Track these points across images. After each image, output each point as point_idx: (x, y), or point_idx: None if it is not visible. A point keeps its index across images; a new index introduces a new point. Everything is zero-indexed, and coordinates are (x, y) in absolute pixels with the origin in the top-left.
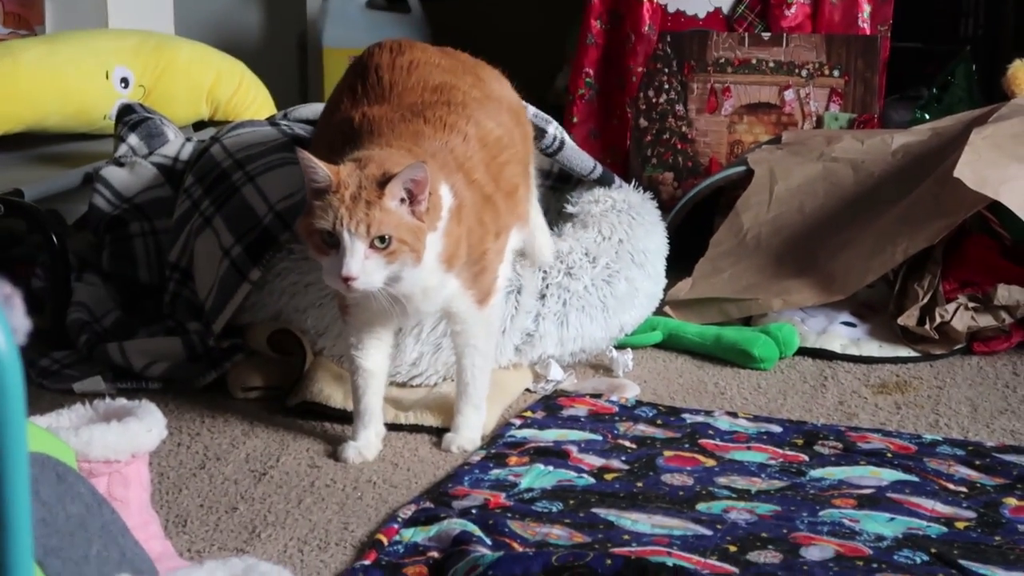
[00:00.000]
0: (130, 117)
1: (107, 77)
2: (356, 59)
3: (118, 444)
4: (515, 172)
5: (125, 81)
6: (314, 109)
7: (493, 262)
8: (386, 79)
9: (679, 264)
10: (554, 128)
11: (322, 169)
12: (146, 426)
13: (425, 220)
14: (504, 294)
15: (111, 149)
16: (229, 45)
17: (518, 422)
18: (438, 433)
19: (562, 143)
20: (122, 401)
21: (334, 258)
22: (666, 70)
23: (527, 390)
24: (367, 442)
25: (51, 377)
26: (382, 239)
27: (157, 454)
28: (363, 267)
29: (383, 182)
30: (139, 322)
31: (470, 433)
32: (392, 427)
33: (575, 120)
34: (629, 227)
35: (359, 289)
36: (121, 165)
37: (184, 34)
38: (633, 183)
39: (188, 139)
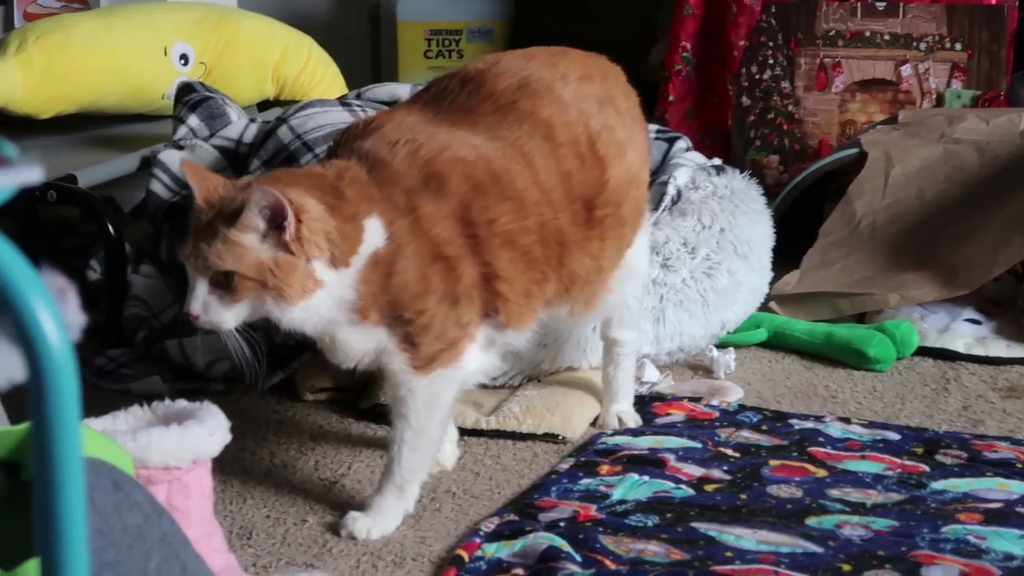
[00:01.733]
0: (190, 97)
1: (166, 54)
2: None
3: (178, 449)
4: (513, 255)
5: (185, 58)
6: (390, 90)
7: (440, 327)
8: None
9: (786, 256)
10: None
11: (195, 186)
12: (208, 430)
13: (297, 251)
14: (461, 372)
15: (170, 131)
16: (296, 18)
17: (609, 431)
18: (523, 439)
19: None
20: (182, 403)
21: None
22: (771, 44)
23: None
24: (444, 450)
25: (107, 377)
26: (225, 275)
27: (220, 460)
28: (205, 305)
29: (234, 212)
30: None
31: (381, 521)
32: (472, 432)
33: (671, 98)
34: (732, 215)
35: (207, 327)
36: (181, 148)
37: (248, 7)
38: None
39: (252, 120)
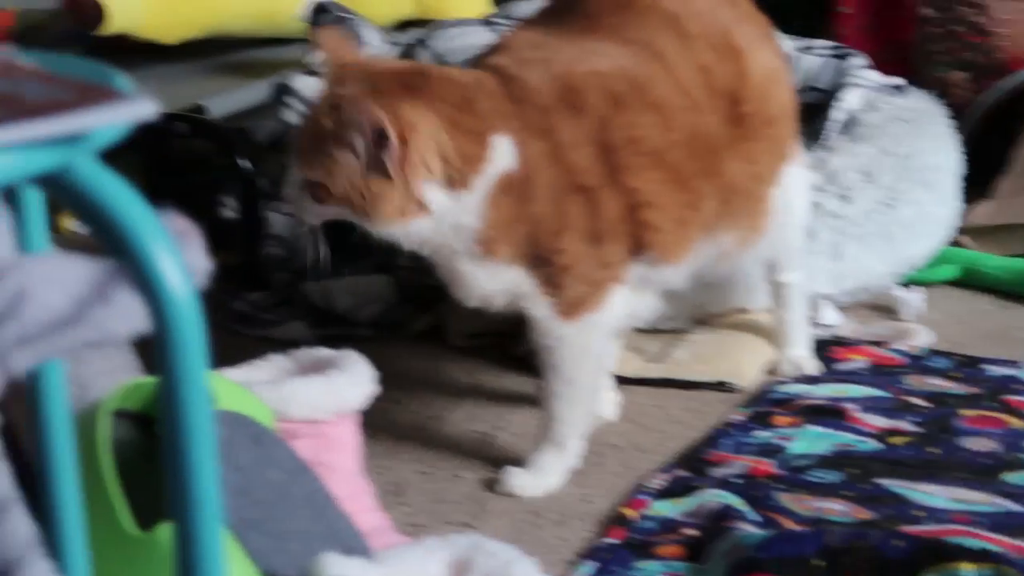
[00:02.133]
0: (324, 18)
1: None
2: None
3: (322, 401)
4: (662, 175)
5: None
6: (537, 6)
7: (583, 268)
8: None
9: (977, 184)
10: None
11: (330, 58)
12: (353, 380)
13: (397, 175)
14: (612, 316)
15: (303, 56)
16: None
17: (784, 378)
18: (691, 388)
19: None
20: (324, 350)
21: None
22: None
23: None
24: (603, 399)
25: (245, 322)
26: (313, 184)
27: (367, 413)
28: (295, 197)
29: (338, 125)
30: (344, 258)
31: (542, 477)
32: (636, 381)
33: (846, 10)
34: (915, 139)
35: (299, 215)
36: (315, 74)
37: None
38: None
39: (391, 43)
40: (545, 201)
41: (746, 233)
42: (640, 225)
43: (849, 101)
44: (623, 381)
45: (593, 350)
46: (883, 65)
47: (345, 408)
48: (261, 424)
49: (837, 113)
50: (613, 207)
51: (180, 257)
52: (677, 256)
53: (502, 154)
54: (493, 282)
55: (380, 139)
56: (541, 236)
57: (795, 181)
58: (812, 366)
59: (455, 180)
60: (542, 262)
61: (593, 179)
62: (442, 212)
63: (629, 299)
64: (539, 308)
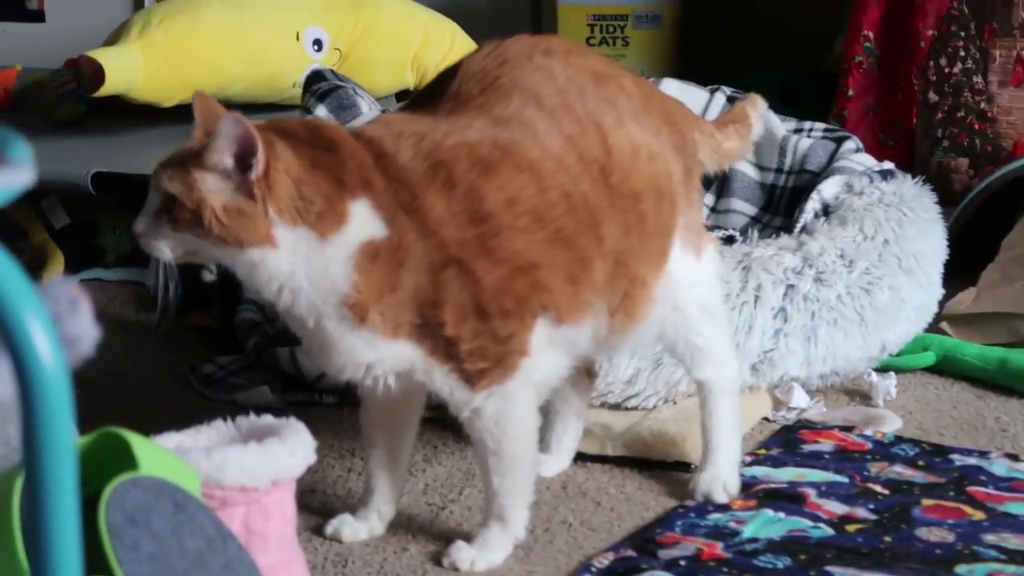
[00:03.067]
0: (319, 86)
1: (298, 39)
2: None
3: (256, 469)
4: (545, 234)
5: (319, 43)
6: None
7: (476, 343)
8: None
9: (962, 272)
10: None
11: (200, 117)
12: (290, 449)
13: (260, 194)
14: (524, 383)
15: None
16: (451, 1)
17: (748, 459)
18: (652, 467)
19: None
20: (268, 418)
21: None
22: (962, 34)
23: (764, 419)
24: (545, 457)
25: (214, 386)
26: (171, 199)
27: (324, 481)
28: (147, 226)
29: (203, 144)
30: None
31: (486, 552)
32: (597, 459)
33: (850, 93)
34: (898, 225)
35: (146, 250)
36: None
37: None
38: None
39: (384, 111)
40: (420, 272)
41: (623, 319)
42: (530, 287)
43: (826, 192)
44: (583, 458)
45: (515, 417)
46: (886, 148)
47: (280, 476)
48: (185, 490)
49: (812, 204)
50: (492, 277)
51: (51, 328)
52: (573, 316)
53: (362, 219)
54: (371, 352)
55: (246, 155)
56: (421, 307)
57: (689, 272)
58: (727, 491)
59: (312, 222)
60: (429, 333)
61: (467, 251)
62: (296, 253)
63: (544, 361)
64: (440, 382)
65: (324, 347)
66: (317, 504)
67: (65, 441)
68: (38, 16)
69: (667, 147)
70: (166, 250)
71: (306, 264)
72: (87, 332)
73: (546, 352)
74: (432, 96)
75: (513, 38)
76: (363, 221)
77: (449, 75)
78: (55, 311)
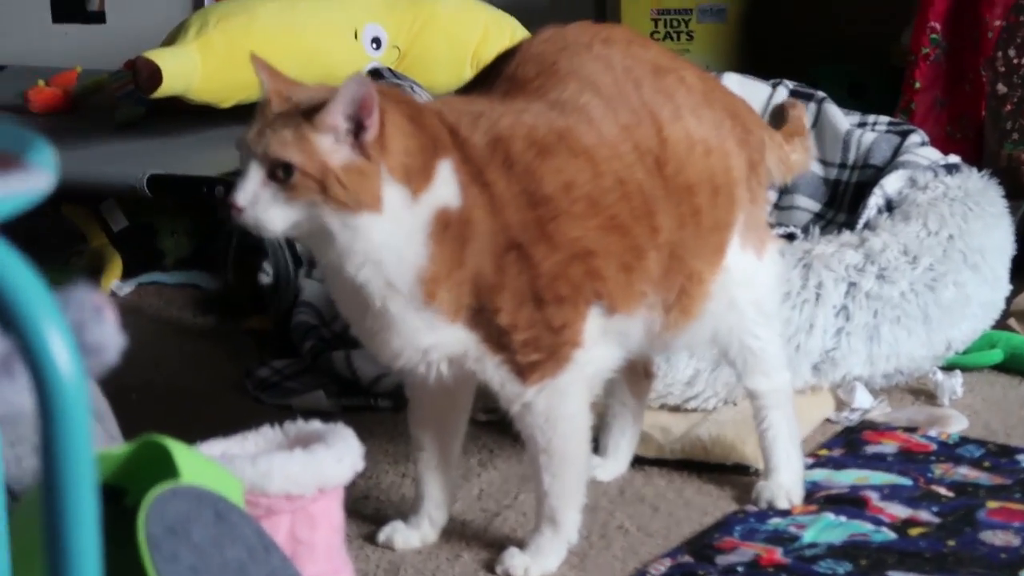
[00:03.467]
0: (377, 83)
1: (356, 37)
2: None
3: (301, 476)
4: (599, 220)
5: (377, 41)
6: None
7: (530, 333)
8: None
9: None
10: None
11: (267, 79)
12: (336, 455)
13: (376, 156)
14: (578, 377)
15: None
16: None
17: (810, 461)
18: (711, 470)
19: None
20: (316, 424)
21: None
22: None
23: (827, 420)
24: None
25: (269, 390)
26: (285, 168)
27: (378, 487)
28: (254, 197)
29: (317, 104)
30: None
31: (540, 559)
32: (655, 462)
33: (917, 86)
34: (964, 220)
35: (250, 224)
36: None
37: None
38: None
39: None
40: (484, 252)
41: (679, 316)
42: (585, 275)
43: (889, 187)
44: (641, 461)
45: (567, 414)
46: (954, 141)
47: (327, 484)
48: (227, 499)
49: (875, 199)
50: (550, 263)
51: (70, 336)
52: (627, 305)
53: (445, 181)
54: (431, 335)
55: (363, 115)
56: (481, 290)
57: (748, 270)
58: (790, 499)
59: (412, 180)
60: (484, 320)
61: (527, 234)
62: (393, 218)
63: (598, 354)
64: (492, 372)
65: (384, 330)
66: (370, 511)
67: (84, 451)
68: (99, 17)
69: (729, 140)
70: (277, 221)
71: (395, 229)
72: (112, 340)
73: (599, 344)
74: (487, 78)
75: (575, 24)
76: (445, 183)
77: (507, 57)
78: (79, 318)
